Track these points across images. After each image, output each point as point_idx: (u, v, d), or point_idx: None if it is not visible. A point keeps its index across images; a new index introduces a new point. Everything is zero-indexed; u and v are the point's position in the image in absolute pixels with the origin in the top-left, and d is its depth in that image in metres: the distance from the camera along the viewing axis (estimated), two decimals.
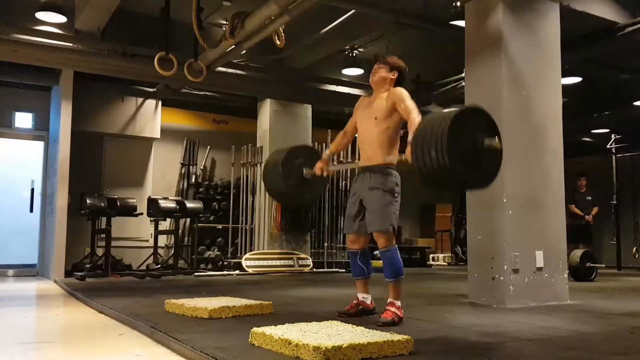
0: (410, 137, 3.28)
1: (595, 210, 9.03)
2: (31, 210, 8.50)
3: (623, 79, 9.30)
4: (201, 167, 9.96)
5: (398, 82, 3.82)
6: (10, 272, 8.27)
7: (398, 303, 3.49)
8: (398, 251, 3.62)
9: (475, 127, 2.89)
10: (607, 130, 10.79)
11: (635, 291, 6.20)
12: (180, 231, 8.63)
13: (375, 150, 3.66)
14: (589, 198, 9.05)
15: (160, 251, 8.63)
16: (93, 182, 8.53)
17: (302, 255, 8.78)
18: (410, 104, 3.55)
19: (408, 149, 3.15)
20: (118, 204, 7.72)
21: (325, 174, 3.90)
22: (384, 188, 3.58)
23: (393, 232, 3.62)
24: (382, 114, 3.68)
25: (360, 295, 3.82)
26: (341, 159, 8.75)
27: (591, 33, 6.44)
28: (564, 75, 5.35)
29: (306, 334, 2.57)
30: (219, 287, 6.03)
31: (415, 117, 3.43)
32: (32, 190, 8.56)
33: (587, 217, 8.89)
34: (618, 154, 10.63)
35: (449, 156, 2.71)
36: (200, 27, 5.87)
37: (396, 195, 3.62)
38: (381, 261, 3.60)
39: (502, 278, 4.54)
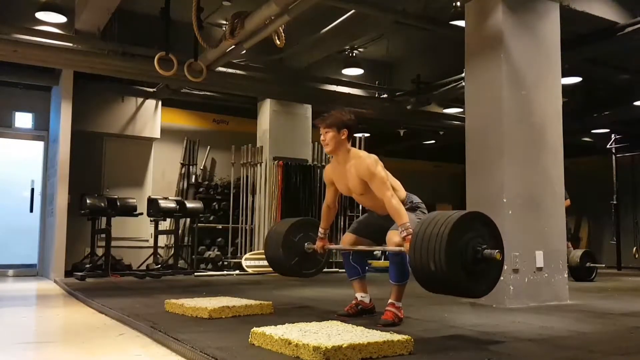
0: (402, 234, 3.25)
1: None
2: (31, 210, 8.50)
3: (623, 79, 9.29)
4: (201, 167, 9.96)
5: (350, 136, 3.64)
6: (10, 272, 8.27)
7: (399, 304, 3.49)
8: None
9: (476, 233, 2.85)
10: (607, 130, 10.79)
11: (635, 291, 6.20)
12: (180, 231, 8.63)
13: (377, 205, 3.59)
14: None
15: (160, 251, 8.63)
16: (93, 182, 8.53)
17: None
18: (379, 184, 3.42)
19: (407, 245, 3.13)
20: (118, 204, 7.71)
21: (325, 251, 3.99)
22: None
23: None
24: (360, 189, 3.59)
25: (359, 295, 3.81)
26: None
27: (591, 33, 6.44)
28: (564, 75, 5.36)
29: (306, 334, 2.57)
30: (219, 287, 6.03)
31: (395, 208, 3.32)
32: (32, 190, 8.56)
33: None
34: (618, 154, 10.63)
35: (447, 261, 2.69)
36: (200, 27, 5.87)
37: (417, 211, 3.57)
38: (380, 261, 3.60)
39: (502, 278, 4.49)
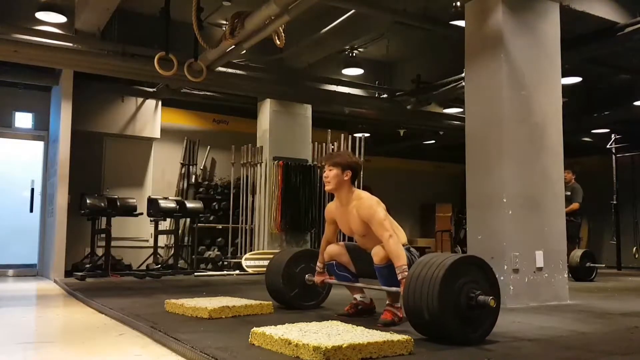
0: (399, 276, 3.22)
1: (572, 206, 7.88)
2: (31, 210, 8.50)
3: (623, 79, 9.30)
4: (201, 167, 9.96)
5: (353, 178, 3.65)
6: (10, 272, 8.27)
7: (398, 304, 3.49)
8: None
9: (470, 277, 2.82)
10: (607, 130, 10.79)
11: (635, 291, 6.20)
12: (180, 231, 8.63)
13: (375, 245, 3.52)
14: (568, 193, 7.66)
15: (160, 251, 8.63)
16: (93, 182, 8.53)
17: None
18: (379, 225, 3.40)
19: (402, 287, 3.10)
20: (118, 204, 7.71)
21: (324, 285, 4.02)
22: None
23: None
24: (362, 231, 3.59)
25: (357, 296, 3.82)
26: None
27: (591, 33, 6.44)
28: (564, 75, 5.36)
29: (306, 334, 2.57)
30: (219, 287, 6.03)
31: (392, 249, 3.31)
32: (32, 190, 8.56)
33: None
34: (618, 154, 10.62)
35: (440, 308, 2.66)
36: (200, 27, 5.87)
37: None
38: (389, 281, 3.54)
39: (502, 278, 4.53)
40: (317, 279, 3.93)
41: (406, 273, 3.12)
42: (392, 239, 3.34)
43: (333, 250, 3.83)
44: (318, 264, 3.95)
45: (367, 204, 3.51)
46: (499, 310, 2.91)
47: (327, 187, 3.65)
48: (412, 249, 3.65)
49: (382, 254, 3.38)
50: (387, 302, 3.50)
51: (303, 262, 4.12)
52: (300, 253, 4.18)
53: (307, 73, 8.72)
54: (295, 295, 4.09)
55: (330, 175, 3.61)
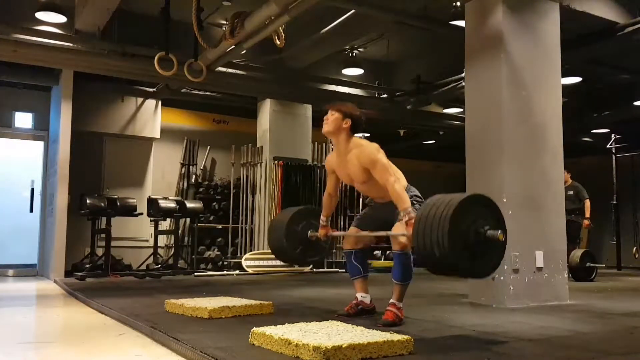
0: (404, 218, 3.29)
1: (587, 206, 8.04)
2: (31, 210, 8.50)
3: (623, 79, 9.30)
4: (201, 167, 9.96)
5: (353, 130, 3.68)
6: (10, 272, 8.27)
7: (400, 304, 3.49)
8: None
9: (478, 215, 2.84)
10: (607, 130, 10.79)
11: (635, 291, 6.20)
12: (180, 231, 8.63)
13: (382, 193, 3.58)
14: (571, 192, 7.90)
15: (160, 251, 8.63)
16: (93, 182, 8.53)
17: None
18: (382, 170, 3.45)
19: (410, 231, 3.13)
20: (118, 204, 7.71)
21: (328, 238, 3.99)
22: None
23: None
24: (362, 178, 3.62)
25: (359, 295, 3.81)
26: None
27: (591, 33, 6.44)
28: (564, 75, 5.36)
29: (306, 334, 2.57)
30: (219, 287, 6.03)
31: (398, 193, 3.36)
32: (32, 190, 8.56)
33: (585, 222, 8.06)
34: (618, 154, 10.63)
35: (450, 245, 2.68)
36: (200, 27, 5.87)
37: (416, 205, 3.54)
38: (380, 261, 3.59)
39: (502, 278, 4.54)
40: (321, 232, 3.95)
41: (412, 214, 3.19)
42: (397, 184, 3.40)
43: (350, 239, 3.85)
44: (322, 217, 3.98)
45: (368, 150, 3.55)
46: (506, 244, 2.93)
47: (324, 129, 3.70)
48: (412, 187, 3.69)
49: (404, 238, 3.40)
50: (391, 300, 3.49)
51: (304, 219, 4.09)
52: (300, 211, 4.15)
53: (307, 73, 8.72)
54: (299, 252, 4.08)
55: (330, 118, 3.68)
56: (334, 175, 3.89)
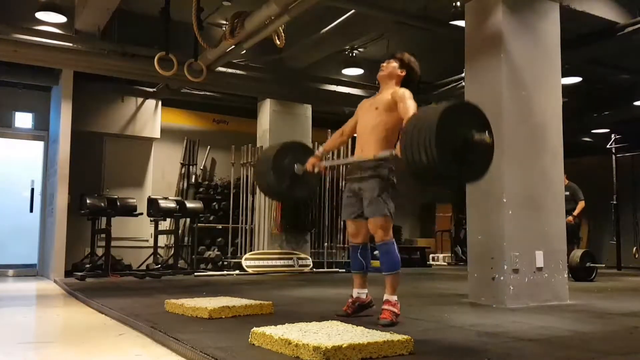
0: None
1: (580, 206, 8.00)
2: (31, 210, 8.51)
3: (623, 79, 9.29)
4: (201, 167, 9.97)
5: (405, 83, 3.70)
6: (10, 272, 8.27)
7: (394, 299, 3.49)
8: (395, 245, 3.62)
9: (465, 122, 2.85)
10: (607, 130, 10.80)
11: (635, 291, 6.20)
12: (180, 231, 8.63)
13: (370, 143, 3.59)
14: (567, 193, 7.36)
15: (160, 251, 8.63)
16: (93, 182, 8.54)
17: (302, 255, 8.78)
18: (410, 104, 3.45)
19: (398, 145, 3.11)
20: (118, 204, 7.72)
21: (317, 170, 3.87)
22: (378, 175, 3.55)
23: (390, 221, 3.57)
24: (383, 106, 3.61)
25: (355, 292, 3.81)
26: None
27: (591, 33, 6.44)
28: (564, 75, 5.35)
29: (306, 334, 2.57)
30: (219, 287, 6.03)
31: (410, 112, 3.38)
32: (32, 190, 8.56)
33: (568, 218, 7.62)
34: (618, 154, 10.63)
35: (438, 152, 2.66)
36: (200, 27, 5.87)
37: (391, 183, 3.57)
38: (380, 261, 3.59)
39: (502, 278, 4.54)
40: (310, 160, 3.86)
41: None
42: (413, 110, 3.38)
43: (351, 229, 3.81)
44: (320, 148, 3.96)
45: (404, 90, 3.57)
46: (493, 148, 2.95)
47: (380, 73, 3.73)
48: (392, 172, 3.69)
49: (380, 231, 3.50)
50: (385, 296, 3.49)
51: (291, 154, 3.98)
52: (286, 145, 4.05)
53: (307, 73, 8.72)
54: (286, 188, 3.95)
55: (389, 65, 3.71)
56: (355, 120, 3.85)
